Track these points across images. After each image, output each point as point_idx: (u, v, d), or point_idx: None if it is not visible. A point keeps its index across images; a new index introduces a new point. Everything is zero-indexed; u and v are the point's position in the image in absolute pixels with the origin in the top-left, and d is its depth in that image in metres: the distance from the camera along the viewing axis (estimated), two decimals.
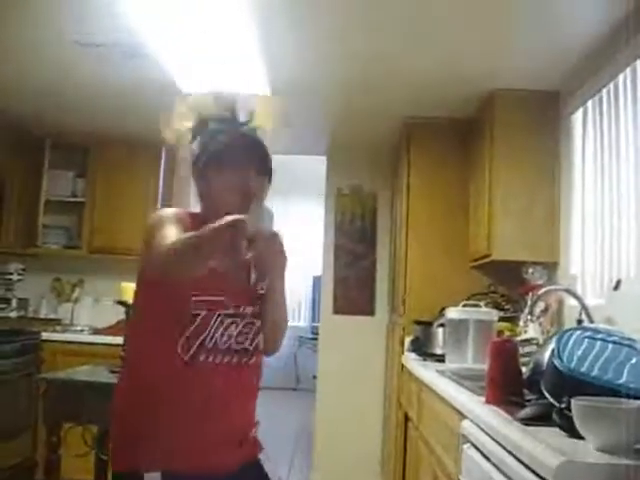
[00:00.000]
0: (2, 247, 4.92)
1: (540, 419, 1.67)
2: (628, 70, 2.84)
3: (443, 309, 3.70)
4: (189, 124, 1.84)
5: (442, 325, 3.66)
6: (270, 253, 1.57)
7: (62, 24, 3.20)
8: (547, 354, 1.85)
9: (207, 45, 3.30)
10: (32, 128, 4.99)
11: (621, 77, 2.92)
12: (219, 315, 1.70)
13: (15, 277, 5.18)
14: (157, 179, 5.15)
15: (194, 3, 2.88)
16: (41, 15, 3.12)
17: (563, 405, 1.57)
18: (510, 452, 1.59)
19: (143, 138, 4.97)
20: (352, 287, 5.33)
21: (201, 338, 1.67)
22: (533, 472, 1.40)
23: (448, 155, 4.34)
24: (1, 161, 4.82)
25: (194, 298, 1.67)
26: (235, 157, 1.77)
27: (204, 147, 1.82)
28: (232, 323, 1.72)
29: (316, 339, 6.00)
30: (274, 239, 1.56)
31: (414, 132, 4.41)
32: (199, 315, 1.67)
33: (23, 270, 5.22)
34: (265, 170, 1.81)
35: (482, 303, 3.66)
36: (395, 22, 3.07)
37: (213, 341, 1.69)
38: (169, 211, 1.80)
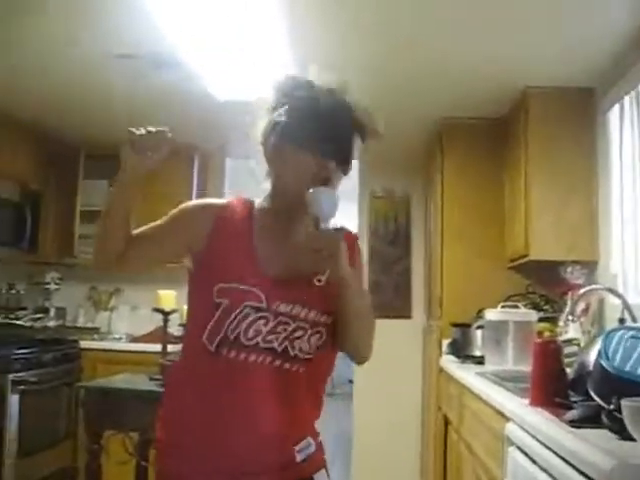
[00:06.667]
0: (39, 257, 4.99)
1: (588, 421, 1.64)
2: None
3: (481, 311, 3.67)
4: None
5: (480, 327, 3.63)
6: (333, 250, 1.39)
7: (95, 36, 3.24)
8: (592, 355, 1.82)
9: (238, 53, 3.31)
10: (66, 139, 5.05)
11: None
12: (245, 307, 1.47)
13: (52, 286, 5.25)
14: (190, 188, 5.16)
15: (224, 12, 2.89)
16: (72, 28, 3.16)
17: (612, 406, 1.54)
18: (559, 455, 1.56)
19: (176, 147, 5.00)
20: (387, 290, 5.30)
21: (223, 330, 1.47)
22: (584, 475, 1.37)
23: (482, 155, 4.28)
24: (37, 172, 4.90)
25: (220, 285, 1.49)
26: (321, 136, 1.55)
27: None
28: (260, 318, 1.47)
29: None
30: (338, 234, 1.42)
31: (447, 133, 4.37)
32: (221, 305, 1.48)
33: (60, 279, 5.28)
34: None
35: (521, 304, 3.62)
36: (427, 24, 3.05)
37: (235, 335, 1.46)
38: (191, 203, 1.76)
